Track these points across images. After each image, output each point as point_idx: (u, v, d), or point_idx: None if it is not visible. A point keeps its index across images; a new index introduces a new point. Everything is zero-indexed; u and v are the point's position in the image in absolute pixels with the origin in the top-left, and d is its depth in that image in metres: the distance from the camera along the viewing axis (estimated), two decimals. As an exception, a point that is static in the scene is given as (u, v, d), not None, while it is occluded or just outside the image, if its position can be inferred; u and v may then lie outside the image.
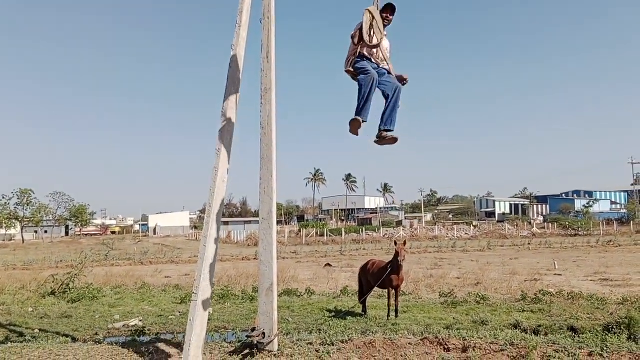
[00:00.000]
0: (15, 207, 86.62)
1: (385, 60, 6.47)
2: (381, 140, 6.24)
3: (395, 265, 10.03)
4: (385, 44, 6.53)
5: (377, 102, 6.24)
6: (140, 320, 10.99)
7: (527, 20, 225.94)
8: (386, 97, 6.21)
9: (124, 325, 10.54)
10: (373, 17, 6.14)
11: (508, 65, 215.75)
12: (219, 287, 15.75)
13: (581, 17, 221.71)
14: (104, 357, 6.79)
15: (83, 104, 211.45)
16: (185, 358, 5.91)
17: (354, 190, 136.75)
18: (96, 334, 9.82)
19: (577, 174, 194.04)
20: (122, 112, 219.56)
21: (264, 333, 7.08)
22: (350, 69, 6.37)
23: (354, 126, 6.11)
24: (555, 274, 18.94)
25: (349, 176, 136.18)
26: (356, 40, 6.20)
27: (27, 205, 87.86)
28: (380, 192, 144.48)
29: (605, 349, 6.60)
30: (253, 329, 7.14)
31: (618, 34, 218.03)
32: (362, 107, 6.09)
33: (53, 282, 15.61)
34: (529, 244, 43.04)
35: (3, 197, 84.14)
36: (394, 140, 6.23)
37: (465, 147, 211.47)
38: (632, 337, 7.20)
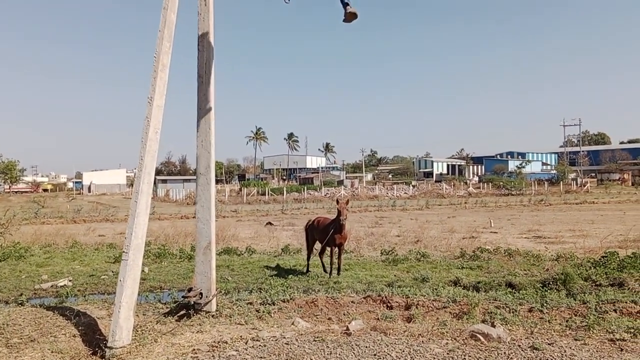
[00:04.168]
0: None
1: None
2: (345, 16, 6.42)
3: (337, 224, 9.84)
4: None
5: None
6: (70, 281, 10.39)
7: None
8: None
9: (52, 286, 9.93)
10: None
11: (451, 25, 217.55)
12: (156, 245, 15.23)
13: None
14: (26, 319, 6.28)
15: (11, 54, 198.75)
16: (115, 320, 5.51)
17: (296, 150, 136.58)
18: (21, 294, 9.19)
19: (512, 135, 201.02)
20: (54, 63, 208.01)
21: (201, 293, 6.75)
22: None
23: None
24: (491, 232, 19.42)
25: (290, 135, 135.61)
26: None
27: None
28: (322, 151, 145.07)
29: (545, 304, 6.67)
30: (190, 289, 6.79)
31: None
32: None
33: (-25, 241, 14.65)
34: (465, 203, 44.21)
35: None
36: (353, 15, 6.40)
37: (405, 108, 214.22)
38: (570, 293, 7.31)
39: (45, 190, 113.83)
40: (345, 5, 6.39)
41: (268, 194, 62.06)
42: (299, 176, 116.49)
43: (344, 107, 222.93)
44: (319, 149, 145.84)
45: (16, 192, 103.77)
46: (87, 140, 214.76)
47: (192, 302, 6.75)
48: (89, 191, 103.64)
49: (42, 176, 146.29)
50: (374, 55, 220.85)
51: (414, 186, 77.22)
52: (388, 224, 24.56)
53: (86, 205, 49.03)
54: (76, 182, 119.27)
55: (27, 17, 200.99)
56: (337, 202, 10.07)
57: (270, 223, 25.63)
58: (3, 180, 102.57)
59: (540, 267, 10.44)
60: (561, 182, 72.42)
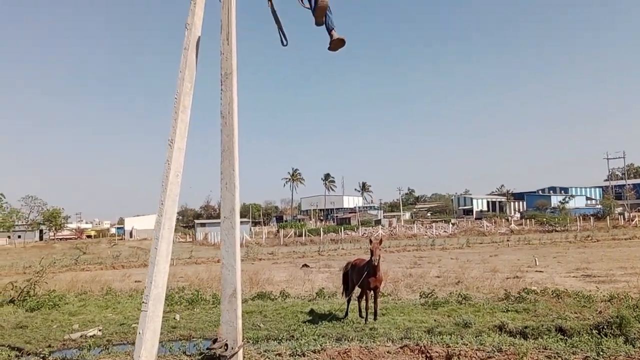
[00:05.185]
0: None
1: None
2: (330, 44, 6.06)
3: (370, 266, 9.37)
4: None
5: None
6: (100, 330, 10.18)
7: (495, 16, 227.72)
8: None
9: (81, 336, 9.73)
10: None
11: (483, 62, 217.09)
12: (190, 291, 15.02)
13: (549, 13, 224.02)
14: (45, 375, 6.03)
15: (53, 105, 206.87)
16: (133, 376, 5.19)
17: (332, 190, 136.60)
18: (49, 346, 9.02)
19: (553, 170, 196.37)
20: (96, 114, 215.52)
21: (226, 344, 6.35)
22: None
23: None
24: (536, 271, 18.54)
25: (327, 176, 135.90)
26: None
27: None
28: (359, 191, 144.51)
29: (601, 353, 6.05)
30: (215, 340, 6.41)
31: (587, 30, 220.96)
32: None
33: (12, 289, 14.71)
34: (507, 240, 42.93)
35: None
36: (340, 42, 6.03)
37: (443, 145, 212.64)
38: (628, 339, 6.65)
39: (88, 236, 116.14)
40: (330, 30, 6.02)
41: (305, 235, 61.85)
42: (336, 216, 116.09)
43: (380, 146, 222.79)
44: (356, 189, 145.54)
45: (60, 239, 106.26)
46: (130, 186, 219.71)
47: (217, 354, 6.37)
48: (131, 236, 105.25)
49: (86, 223, 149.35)
50: (409, 94, 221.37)
51: (453, 224, 75.81)
52: (427, 264, 23.85)
53: (126, 250, 49.71)
54: (118, 228, 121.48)
55: (68, 72, 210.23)
56: (370, 241, 9.64)
57: (306, 265, 25.23)
58: (48, 228, 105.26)
59: (592, 309, 9.73)
60: (607, 217, 69.82)
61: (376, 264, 9.31)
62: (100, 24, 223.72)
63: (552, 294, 11.60)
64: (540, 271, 18.50)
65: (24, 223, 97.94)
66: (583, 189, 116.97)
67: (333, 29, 6.01)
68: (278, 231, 72.61)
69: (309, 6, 5.97)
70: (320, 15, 5.86)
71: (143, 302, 5.45)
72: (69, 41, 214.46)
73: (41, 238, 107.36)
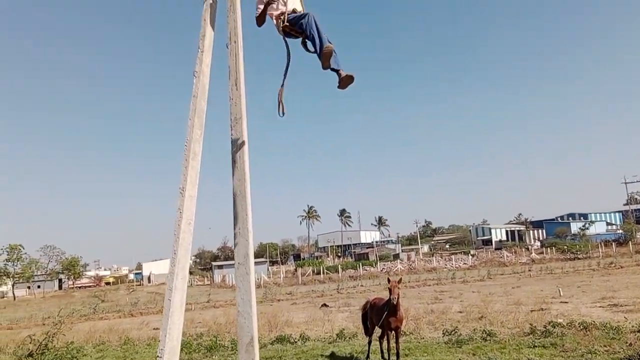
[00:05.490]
0: (4, 264, 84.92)
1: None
2: (340, 83, 5.82)
3: (390, 305, 9.17)
4: None
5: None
6: (118, 383, 10.05)
7: (512, 46, 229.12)
8: (311, 38, 5.76)
9: (99, 390, 9.60)
10: None
11: (495, 93, 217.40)
12: (207, 337, 14.84)
13: (566, 37, 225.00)
14: None
15: (68, 155, 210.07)
16: None
17: (349, 226, 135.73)
18: (67, 402, 8.88)
19: (571, 196, 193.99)
20: (110, 163, 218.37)
21: (245, 396, 6.19)
22: (287, 23, 5.90)
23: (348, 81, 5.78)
24: (561, 302, 18.05)
25: (343, 211, 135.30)
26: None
27: (17, 260, 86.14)
28: (375, 226, 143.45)
29: (635, 391, 5.78)
30: (233, 391, 6.26)
31: (600, 54, 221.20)
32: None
33: (30, 342, 14.59)
34: (529, 270, 42.18)
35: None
36: (350, 78, 5.77)
37: (458, 176, 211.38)
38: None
39: (107, 283, 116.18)
40: (337, 71, 5.97)
41: (323, 273, 61.16)
42: (354, 252, 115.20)
43: (395, 179, 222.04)
44: (372, 224, 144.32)
45: (80, 287, 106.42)
46: (147, 232, 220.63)
47: (237, 406, 6.20)
48: (149, 281, 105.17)
49: (105, 269, 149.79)
50: (421, 128, 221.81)
51: (473, 255, 74.71)
52: (448, 298, 23.41)
53: (144, 296, 49.54)
54: (136, 273, 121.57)
55: (84, 124, 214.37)
56: (388, 280, 9.46)
57: (325, 305, 24.86)
58: (67, 277, 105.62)
59: (622, 341, 9.41)
60: (630, 242, 68.34)
61: (396, 303, 9.11)
62: (110, 70, 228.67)
63: (579, 327, 11.24)
64: (565, 302, 18.02)
65: (43, 273, 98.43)
66: (602, 214, 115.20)
67: (340, 68, 5.97)
68: (296, 270, 72.01)
69: (314, 50, 5.96)
70: (326, 59, 5.84)
71: (158, 356, 5.32)
72: (87, 89, 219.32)
73: (60, 287, 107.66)
